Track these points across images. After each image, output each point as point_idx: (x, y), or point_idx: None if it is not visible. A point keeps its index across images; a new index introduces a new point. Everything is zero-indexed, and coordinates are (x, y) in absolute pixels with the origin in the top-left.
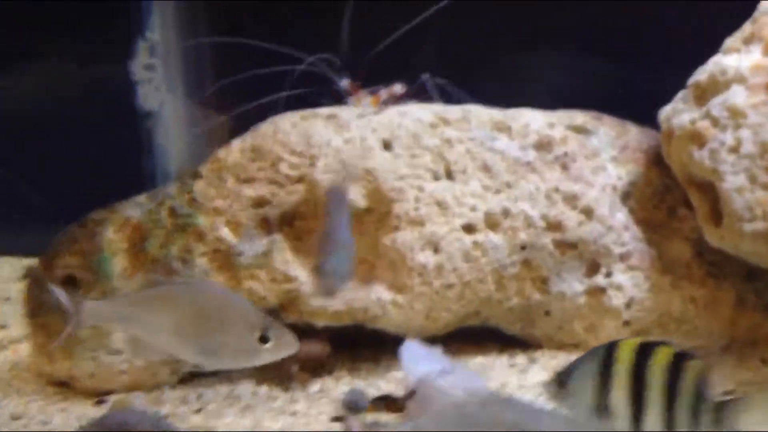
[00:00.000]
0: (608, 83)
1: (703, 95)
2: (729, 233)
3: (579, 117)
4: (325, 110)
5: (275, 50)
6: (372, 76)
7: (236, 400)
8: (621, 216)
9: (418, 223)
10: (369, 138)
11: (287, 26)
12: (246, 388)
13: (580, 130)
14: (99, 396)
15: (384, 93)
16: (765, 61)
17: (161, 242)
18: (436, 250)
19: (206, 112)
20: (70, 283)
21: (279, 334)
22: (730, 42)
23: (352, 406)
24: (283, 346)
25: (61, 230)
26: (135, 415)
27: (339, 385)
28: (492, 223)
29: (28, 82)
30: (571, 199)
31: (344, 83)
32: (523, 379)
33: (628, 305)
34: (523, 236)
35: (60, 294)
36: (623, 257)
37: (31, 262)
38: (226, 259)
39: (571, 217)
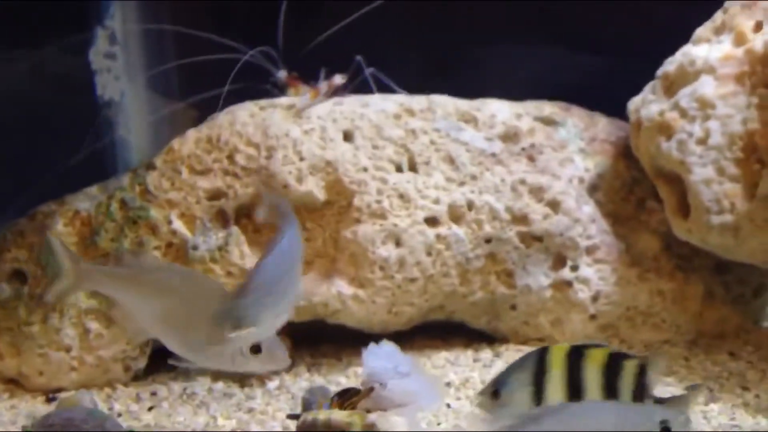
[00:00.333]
0: (577, 74)
1: (672, 86)
2: (696, 226)
3: (547, 108)
4: (284, 100)
5: (222, 42)
6: (312, 68)
7: (191, 398)
8: (588, 209)
9: (380, 215)
10: (329, 129)
11: (234, 18)
12: (201, 384)
13: (547, 121)
14: (49, 393)
15: (324, 86)
16: (735, 52)
17: (112, 236)
18: (398, 243)
19: (169, 102)
20: (17, 277)
21: (271, 348)
22: (700, 32)
23: (310, 404)
24: (273, 361)
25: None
26: (80, 414)
27: (298, 381)
28: (456, 216)
29: None
30: (537, 192)
31: (281, 75)
32: (486, 373)
33: (595, 299)
34: (487, 229)
35: (58, 248)
36: (590, 250)
37: None
38: (180, 252)
39: (536, 210)
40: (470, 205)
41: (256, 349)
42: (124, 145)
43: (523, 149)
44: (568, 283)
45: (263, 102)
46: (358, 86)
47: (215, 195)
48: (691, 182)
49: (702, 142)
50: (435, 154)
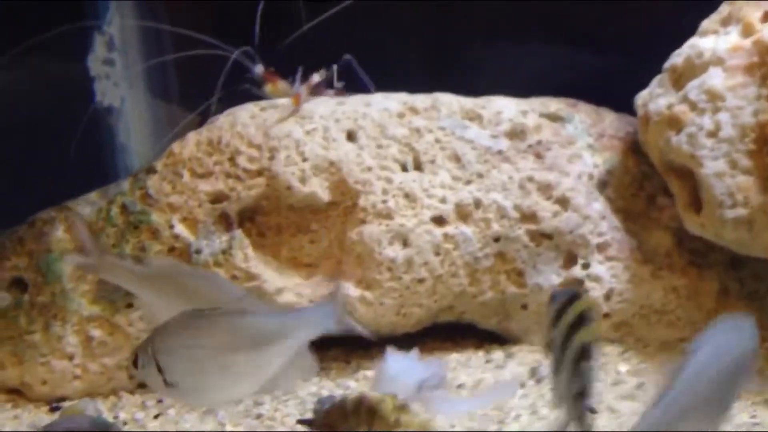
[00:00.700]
0: (577, 73)
1: (680, 79)
2: (710, 221)
3: (553, 104)
4: (285, 101)
5: (211, 42)
6: (289, 65)
7: (197, 405)
8: (598, 205)
9: (386, 215)
10: (332, 129)
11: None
12: None
13: (554, 117)
14: (52, 403)
15: (303, 88)
16: (743, 43)
17: (113, 241)
18: (406, 243)
19: (172, 109)
20: (17, 285)
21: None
22: (707, 24)
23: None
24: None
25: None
26: (84, 422)
27: (306, 386)
28: (463, 215)
29: None
30: (545, 189)
31: (259, 69)
32: (499, 374)
33: (608, 297)
34: (496, 228)
35: (84, 236)
36: (601, 248)
37: None
38: (182, 257)
39: (545, 207)
40: (478, 204)
41: None
42: (124, 151)
43: (530, 146)
44: (581, 282)
45: (263, 103)
46: (348, 85)
47: (217, 198)
48: (703, 176)
49: (713, 134)
50: (440, 153)
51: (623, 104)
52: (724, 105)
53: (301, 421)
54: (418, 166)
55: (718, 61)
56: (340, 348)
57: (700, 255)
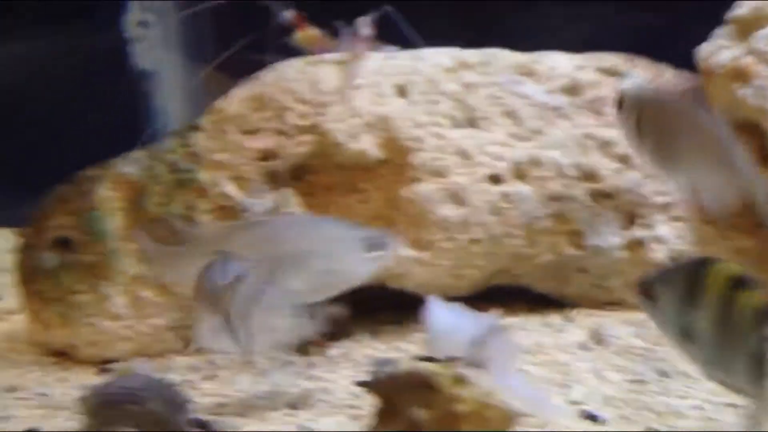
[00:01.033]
0: (628, 33)
1: (745, 29)
2: None
3: (610, 59)
4: (332, 56)
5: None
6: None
7: (249, 366)
8: None
9: (439, 174)
10: (382, 84)
11: None
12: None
13: (612, 72)
14: (100, 365)
15: (359, 41)
16: None
17: (160, 200)
18: (460, 202)
19: (211, 73)
20: (62, 244)
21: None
22: None
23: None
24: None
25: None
26: (138, 381)
27: (360, 348)
28: (520, 173)
29: (19, 47)
30: (605, 146)
31: (287, 15)
32: (559, 338)
33: (673, 259)
34: (554, 186)
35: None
36: (665, 207)
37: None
38: (232, 215)
39: (606, 166)
40: (535, 162)
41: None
42: (161, 113)
43: (588, 102)
44: (642, 243)
45: (312, 58)
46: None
47: (266, 155)
48: None
49: None
50: (495, 109)
51: (678, 62)
52: None
53: (360, 383)
54: (472, 123)
55: None
56: (390, 311)
57: None
